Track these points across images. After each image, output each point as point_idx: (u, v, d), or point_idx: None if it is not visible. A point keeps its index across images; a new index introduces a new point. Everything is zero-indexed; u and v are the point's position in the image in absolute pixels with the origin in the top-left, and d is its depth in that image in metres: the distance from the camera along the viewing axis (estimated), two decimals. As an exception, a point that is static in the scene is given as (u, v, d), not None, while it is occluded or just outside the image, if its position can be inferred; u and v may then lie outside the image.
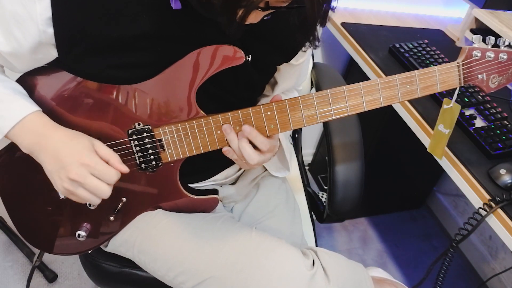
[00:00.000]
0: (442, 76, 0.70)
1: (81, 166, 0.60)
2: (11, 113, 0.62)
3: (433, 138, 0.85)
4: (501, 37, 0.72)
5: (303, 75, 0.92)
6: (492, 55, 0.71)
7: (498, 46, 0.72)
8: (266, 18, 0.57)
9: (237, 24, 0.52)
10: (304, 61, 0.84)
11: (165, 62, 0.66)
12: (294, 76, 0.87)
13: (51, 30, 0.60)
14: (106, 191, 0.62)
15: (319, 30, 0.66)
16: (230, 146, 0.70)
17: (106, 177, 0.62)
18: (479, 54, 0.70)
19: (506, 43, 0.71)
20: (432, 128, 0.97)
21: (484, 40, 0.72)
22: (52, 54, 0.64)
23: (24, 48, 0.61)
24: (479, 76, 0.72)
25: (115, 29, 0.61)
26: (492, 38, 0.71)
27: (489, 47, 0.71)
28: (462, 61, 0.71)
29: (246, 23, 0.53)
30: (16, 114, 0.62)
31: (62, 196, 0.72)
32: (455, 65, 0.71)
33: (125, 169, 0.65)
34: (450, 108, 0.78)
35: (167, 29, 0.63)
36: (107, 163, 0.63)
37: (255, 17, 0.56)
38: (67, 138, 0.62)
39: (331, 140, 0.92)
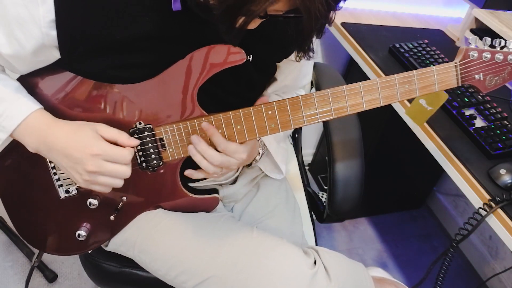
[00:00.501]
0: (440, 76, 0.71)
1: (94, 157, 0.61)
2: (14, 112, 0.62)
3: (411, 107, 0.87)
4: (498, 37, 0.72)
5: (302, 76, 0.92)
6: (489, 56, 0.72)
7: (494, 47, 0.73)
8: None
9: (237, 31, 0.53)
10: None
11: (166, 62, 0.66)
12: (294, 72, 0.87)
13: (54, 33, 0.60)
14: (125, 172, 0.65)
15: (315, 41, 0.66)
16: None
17: (121, 159, 0.64)
18: (476, 55, 0.71)
19: (502, 44, 0.72)
20: (432, 127, 0.98)
21: (480, 40, 0.73)
22: (54, 55, 0.64)
23: (27, 50, 0.61)
24: (476, 76, 0.73)
25: (116, 30, 0.61)
26: (489, 39, 0.72)
27: (486, 47, 0.72)
28: (460, 62, 0.72)
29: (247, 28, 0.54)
30: (19, 113, 0.62)
31: (62, 196, 0.73)
32: (452, 65, 0.72)
33: (135, 142, 0.66)
34: (437, 93, 0.78)
35: (167, 30, 0.63)
36: (116, 143, 0.64)
37: (254, 24, 0.56)
38: (71, 133, 0.63)
39: (331, 138, 0.92)
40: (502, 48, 0.72)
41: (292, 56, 0.80)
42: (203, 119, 0.69)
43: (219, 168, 0.70)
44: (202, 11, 0.55)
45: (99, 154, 0.61)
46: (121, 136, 0.65)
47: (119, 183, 0.66)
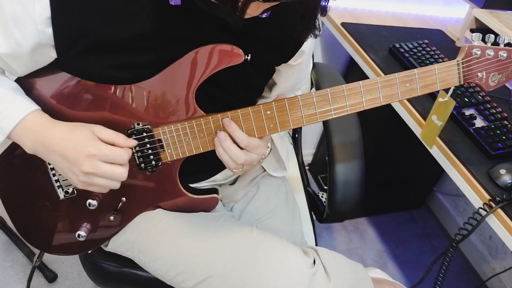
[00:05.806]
0: (442, 75, 0.70)
1: (90, 158, 0.61)
2: (11, 114, 0.62)
3: (425, 126, 0.86)
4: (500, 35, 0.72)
5: (301, 79, 0.92)
6: (492, 53, 0.70)
7: (498, 44, 0.71)
8: (265, 15, 0.57)
9: (238, 15, 0.51)
10: (302, 62, 0.84)
11: (165, 61, 0.66)
12: (293, 77, 0.87)
13: (50, 30, 0.59)
14: (121, 173, 0.64)
15: (320, 19, 0.65)
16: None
17: (117, 159, 0.63)
18: (478, 52, 0.70)
19: (506, 41, 0.71)
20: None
21: (483, 39, 0.72)
22: (51, 55, 0.63)
23: (24, 49, 0.61)
24: (479, 74, 0.72)
25: (114, 28, 0.60)
26: (492, 36, 0.71)
27: (489, 45, 0.71)
28: (462, 59, 0.71)
29: (247, 16, 0.52)
30: (16, 114, 0.62)
31: (61, 197, 0.73)
32: (454, 63, 0.71)
33: (133, 143, 0.66)
34: (445, 101, 0.78)
35: (166, 28, 0.63)
36: (113, 145, 0.63)
37: (256, 9, 0.54)
38: (68, 134, 0.62)
39: (331, 139, 0.92)
40: (506, 45, 0.71)
41: (291, 61, 0.79)
42: (202, 119, 0.69)
43: (241, 165, 0.70)
44: (203, 1, 0.54)
45: (95, 154, 0.61)
46: (118, 137, 0.64)
47: (116, 185, 0.65)
